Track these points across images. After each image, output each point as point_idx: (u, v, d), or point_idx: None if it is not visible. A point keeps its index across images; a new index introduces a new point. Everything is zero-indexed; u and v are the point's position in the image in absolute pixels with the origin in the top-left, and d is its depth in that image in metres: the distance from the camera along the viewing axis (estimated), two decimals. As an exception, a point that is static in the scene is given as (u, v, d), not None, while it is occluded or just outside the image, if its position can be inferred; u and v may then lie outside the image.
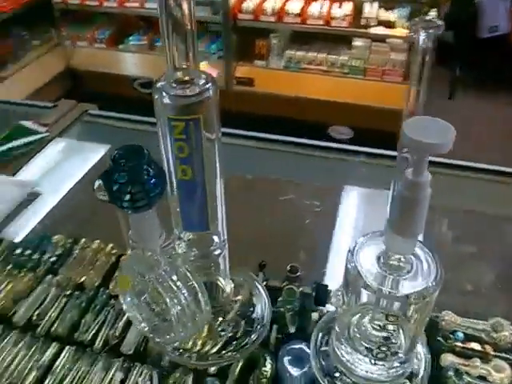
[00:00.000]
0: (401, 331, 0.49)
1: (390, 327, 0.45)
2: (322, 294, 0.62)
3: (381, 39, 2.72)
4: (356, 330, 0.50)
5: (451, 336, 0.65)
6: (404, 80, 2.72)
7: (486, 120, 2.91)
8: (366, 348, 0.48)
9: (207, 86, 0.38)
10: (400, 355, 0.50)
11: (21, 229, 0.79)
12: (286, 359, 0.58)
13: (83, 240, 0.75)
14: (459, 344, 0.64)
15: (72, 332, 0.62)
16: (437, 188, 1.01)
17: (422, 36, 0.49)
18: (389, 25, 2.65)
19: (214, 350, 0.57)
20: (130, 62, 3.22)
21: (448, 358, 0.63)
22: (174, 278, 0.46)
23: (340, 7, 2.73)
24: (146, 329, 0.49)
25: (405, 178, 0.36)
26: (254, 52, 2.96)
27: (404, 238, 0.39)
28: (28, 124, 0.96)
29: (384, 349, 0.47)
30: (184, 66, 0.37)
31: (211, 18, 2.89)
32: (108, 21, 3.28)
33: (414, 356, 0.53)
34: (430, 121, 0.34)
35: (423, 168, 0.35)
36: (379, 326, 0.46)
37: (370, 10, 2.67)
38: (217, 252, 0.50)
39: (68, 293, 0.67)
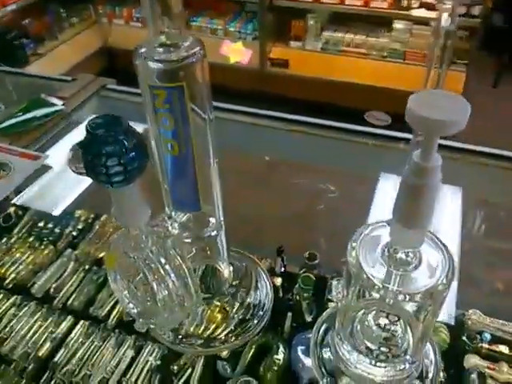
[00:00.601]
0: (408, 331, 0.45)
1: (393, 327, 0.41)
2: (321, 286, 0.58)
3: (423, 22, 2.60)
4: (359, 327, 0.46)
5: (477, 336, 0.61)
6: (446, 66, 2.59)
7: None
8: (367, 348, 0.44)
9: (194, 50, 0.34)
10: (407, 356, 0.46)
11: (45, 203, 0.79)
12: (299, 348, 0.55)
13: (104, 216, 0.75)
14: (485, 346, 0.60)
15: (87, 307, 0.62)
16: (470, 178, 0.94)
17: (446, 6, 0.44)
18: (432, 7, 2.52)
19: (204, 335, 0.55)
20: (166, 41, 3.21)
21: (472, 360, 0.58)
22: (162, 260, 0.43)
23: (381, -13, 2.62)
24: (134, 310, 0.47)
25: (411, 161, 0.32)
26: (290, 33, 2.88)
27: (411, 230, 0.35)
28: (46, 97, 0.94)
29: (384, 350, 0.42)
30: (167, 30, 0.34)
31: (248, -3, 2.84)
32: (145, -1, 3.26)
33: (422, 357, 0.48)
34: (442, 95, 0.29)
35: (432, 150, 0.30)
36: (382, 325, 0.42)
37: (413, -9, 2.54)
38: (212, 233, 0.47)
39: (86, 267, 0.67)
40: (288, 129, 0.98)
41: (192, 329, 0.55)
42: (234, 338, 0.55)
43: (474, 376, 0.56)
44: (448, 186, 0.88)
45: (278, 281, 0.65)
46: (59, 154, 0.86)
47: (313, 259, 0.66)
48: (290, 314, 0.59)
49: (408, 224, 0.34)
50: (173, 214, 0.45)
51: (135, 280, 0.45)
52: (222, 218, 0.47)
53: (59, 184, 0.84)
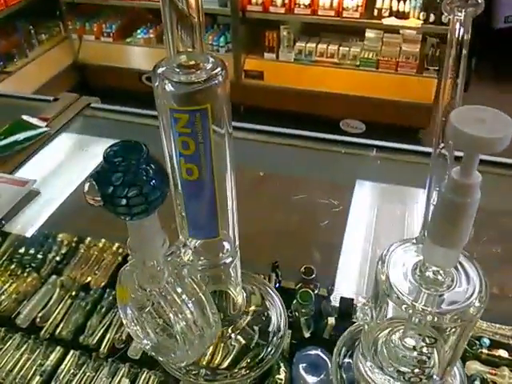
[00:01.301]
0: (435, 353, 0.44)
1: (425, 349, 0.40)
2: (346, 309, 0.57)
3: (394, 30, 2.65)
4: (385, 346, 0.44)
5: (476, 342, 0.61)
6: (417, 72, 2.64)
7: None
8: (398, 371, 0.42)
9: (216, 71, 0.32)
10: (436, 378, 0.44)
11: (25, 227, 0.76)
12: (301, 366, 0.54)
13: (89, 239, 0.72)
14: (485, 351, 0.59)
15: (77, 335, 0.59)
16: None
17: (459, 16, 0.43)
18: (402, 15, 2.57)
19: (225, 365, 0.52)
20: (138, 56, 3.17)
21: (473, 366, 0.58)
22: (179, 290, 0.41)
23: (352, -3, 2.66)
24: (149, 346, 0.44)
25: (450, 178, 0.30)
26: (263, 44, 2.89)
27: (445, 249, 0.34)
28: (28, 118, 0.91)
29: (418, 372, 0.41)
30: (189, 49, 0.32)
31: (220, 11, 2.83)
32: (115, 14, 3.22)
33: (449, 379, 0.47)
34: (483, 111, 0.28)
35: (473, 167, 0.29)
36: (412, 346, 0.41)
37: (383, 1, 2.59)
38: (228, 260, 0.45)
39: (73, 294, 0.64)
40: (263, 140, 0.98)
41: (205, 360, 0.52)
42: (247, 371, 0.52)
43: (477, 382, 0.55)
44: (423, 190, 0.88)
45: None
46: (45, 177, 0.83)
47: (309, 274, 0.64)
48: (289, 331, 0.57)
49: (443, 242, 0.33)
50: (187, 241, 0.43)
51: (150, 314, 0.42)
52: (237, 243, 0.45)
53: (35, 207, 0.80)
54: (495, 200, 0.94)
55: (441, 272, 0.37)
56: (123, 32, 3.20)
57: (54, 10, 3.10)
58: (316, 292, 0.62)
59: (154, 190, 0.32)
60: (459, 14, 0.45)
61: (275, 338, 0.53)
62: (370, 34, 2.71)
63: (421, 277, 0.37)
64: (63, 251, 0.71)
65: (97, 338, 0.59)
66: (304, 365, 0.54)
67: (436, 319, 0.37)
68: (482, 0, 0.43)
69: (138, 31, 3.15)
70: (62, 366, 0.56)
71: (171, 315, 0.41)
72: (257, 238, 0.88)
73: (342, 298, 0.59)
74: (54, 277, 0.67)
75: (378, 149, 0.96)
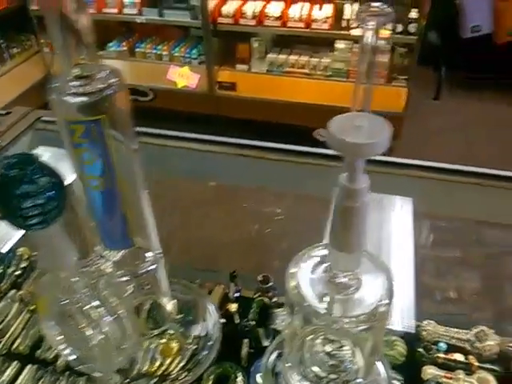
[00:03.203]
0: (357, 353, 0.44)
1: (339, 353, 0.40)
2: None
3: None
4: (308, 353, 0.44)
5: (433, 347, 0.62)
6: (387, 82, 2.68)
7: (473, 118, 2.88)
8: (316, 375, 0.42)
9: (111, 81, 0.33)
10: (359, 380, 0.45)
11: None
12: (258, 375, 0.54)
13: None
14: (442, 355, 0.61)
15: (34, 350, 0.59)
16: (415, 191, 0.97)
17: (371, 25, 0.44)
18: (370, 26, 2.61)
19: (158, 372, 0.52)
20: (111, 69, 3.16)
21: (429, 371, 0.59)
22: (96, 303, 0.40)
23: (320, 9, 2.69)
24: (70, 357, 0.44)
25: (339, 184, 0.31)
26: (235, 56, 2.91)
27: (346, 254, 0.34)
28: (-22, 133, 0.90)
29: (334, 376, 0.41)
30: (83, 62, 0.32)
31: (191, 23, 2.85)
32: (88, 27, 3.22)
33: (374, 379, 0.48)
34: (362, 117, 0.29)
35: (357, 173, 0.30)
36: (328, 351, 0.41)
37: (351, 12, 2.63)
38: (150, 268, 0.45)
39: (31, 308, 0.64)
40: (235, 153, 0.98)
41: (138, 368, 0.52)
42: (185, 374, 0.52)
43: None
44: (399, 197, 0.90)
45: (234, 306, 0.64)
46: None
47: (266, 282, 0.64)
48: (246, 340, 0.57)
49: (341, 247, 0.34)
50: (105, 252, 0.43)
51: (69, 325, 0.42)
52: (159, 251, 0.45)
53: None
54: (454, 206, 0.96)
55: (348, 275, 0.37)
56: (95, 45, 3.18)
57: (26, 24, 3.08)
58: (274, 300, 0.61)
59: (50, 201, 0.32)
60: (371, 22, 0.46)
61: (206, 346, 0.53)
62: (339, 44, 2.75)
63: (330, 282, 0.37)
64: (22, 265, 0.70)
65: (54, 352, 0.58)
66: (261, 374, 0.54)
67: (347, 322, 0.37)
68: (391, 10, 0.44)
69: (111, 44, 3.14)
70: (19, 381, 0.55)
71: (88, 328, 0.40)
72: (218, 248, 0.88)
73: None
74: (13, 291, 0.66)
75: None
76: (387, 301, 0.37)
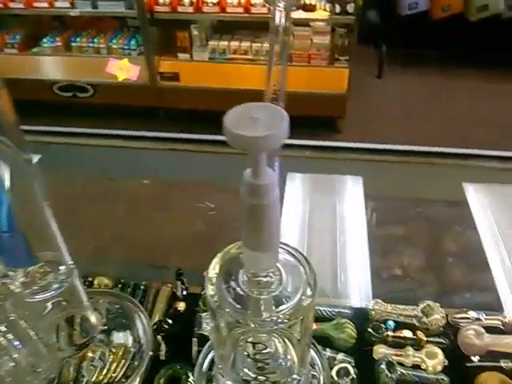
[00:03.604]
0: (290, 350, 0.43)
1: (263, 356, 0.39)
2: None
3: (303, 23, 2.68)
4: (238, 356, 0.43)
5: (382, 326, 0.62)
6: (329, 63, 2.69)
7: (413, 94, 2.94)
8: (244, 380, 0.41)
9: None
10: (294, 376, 0.43)
11: None
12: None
13: None
14: (391, 334, 0.61)
15: None
16: (357, 173, 0.97)
17: (280, 7, 0.42)
18: (309, 8, 2.61)
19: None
20: (47, 66, 3.03)
21: (380, 350, 0.60)
22: (2, 329, 0.37)
23: (259, -7, 2.66)
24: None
25: (244, 181, 0.29)
26: (176, 45, 2.84)
27: (259, 253, 0.32)
28: None
29: (262, 379, 0.40)
30: None
31: (127, 13, 2.76)
32: (18, 24, 3.05)
33: (308, 371, 0.46)
34: (259, 108, 0.27)
35: (261, 167, 0.28)
36: (251, 353, 0.40)
37: (289, -6, 2.61)
38: (64, 282, 0.42)
39: None
40: (168, 148, 0.95)
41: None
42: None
43: (383, 366, 0.56)
44: (350, 177, 0.90)
45: (181, 305, 0.62)
46: None
47: None
48: (194, 339, 0.55)
49: (253, 247, 0.32)
50: (10, 271, 0.39)
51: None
52: (71, 262, 0.41)
53: None
54: (395, 186, 0.97)
55: (268, 273, 0.36)
56: (29, 42, 3.03)
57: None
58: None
59: None
60: (279, 4, 0.44)
61: (137, 354, 0.51)
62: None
63: (249, 282, 0.35)
64: None
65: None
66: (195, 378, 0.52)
67: (272, 321, 0.36)
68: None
69: (44, 40, 3.00)
70: None
71: (-4, 355, 0.37)
72: (163, 247, 0.85)
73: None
74: None
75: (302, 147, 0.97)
76: (310, 293, 0.35)
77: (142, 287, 0.68)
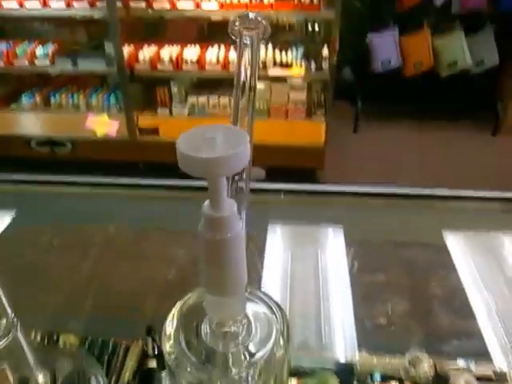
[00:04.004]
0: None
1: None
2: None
3: (280, 80, 2.74)
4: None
5: (368, 379, 0.58)
6: (307, 117, 2.73)
7: (390, 147, 3.00)
8: None
9: None
10: None
11: None
12: None
13: None
14: None
15: None
16: (339, 216, 0.95)
17: (247, 40, 0.41)
18: (286, 65, 2.68)
19: None
20: (24, 122, 3.02)
21: None
22: None
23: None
24: None
25: (202, 213, 0.26)
26: (156, 100, 2.87)
27: (224, 298, 0.29)
28: None
29: None
30: None
31: (107, 71, 2.80)
32: (-2, 81, 3.07)
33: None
34: (214, 129, 0.24)
35: (220, 196, 0.25)
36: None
37: (265, 52, 2.69)
38: (4, 337, 0.37)
39: None
40: (129, 194, 0.93)
41: None
42: None
43: None
44: (331, 227, 0.89)
45: (153, 364, 0.58)
46: None
47: None
48: None
49: (217, 291, 0.28)
50: None
51: None
52: (11, 316, 0.37)
53: None
54: (375, 230, 0.95)
55: (235, 322, 0.32)
56: (6, 98, 3.04)
57: None
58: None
59: None
60: (247, 36, 0.42)
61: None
62: (259, 85, 2.78)
63: (212, 335, 0.31)
64: None
65: None
66: None
67: (246, 375, 0.31)
68: (266, 22, 0.41)
69: (23, 96, 3.00)
70: None
71: None
72: (131, 299, 0.81)
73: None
74: None
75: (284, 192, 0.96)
76: (282, 343, 0.31)
77: (110, 344, 0.64)
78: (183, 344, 0.31)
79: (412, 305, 0.84)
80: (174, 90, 2.82)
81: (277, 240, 0.88)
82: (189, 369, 0.31)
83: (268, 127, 2.74)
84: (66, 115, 2.95)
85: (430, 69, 3.02)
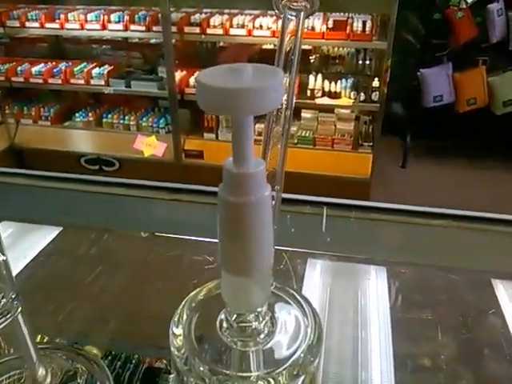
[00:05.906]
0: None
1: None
2: None
3: (328, 110, 2.71)
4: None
5: None
6: (353, 148, 2.68)
7: (439, 184, 2.88)
8: None
9: None
10: None
11: None
12: None
13: None
14: None
15: None
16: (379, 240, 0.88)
17: (291, 16, 0.37)
18: (334, 95, 2.66)
19: None
20: (76, 139, 3.12)
21: None
22: None
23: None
24: None
25: (223, 172, 0.21)
26: (203, 125, 2.90)
27: (242, 280, 0.24)
28: None
29: None
30: None
31: (158, 94, 2.86)
32: (54, 98, 3.20)
33: None
34: (244, 66, 0.20)
35: (246, 147, 0.21)
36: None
37: (315, 82, 2.67)
38: (3, 316, 0.33)
39: None
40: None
41: None
42: None
43: None
44: (373, 267, 0.83)
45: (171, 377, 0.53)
46: None
47: None
48: None
49: (234, 269, 0.23)
50: None
51: None
52: (14, 295, 0.33)
53: None
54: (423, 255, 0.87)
55: (257, 317, 0.27)
56: (62, 116, 3.16)
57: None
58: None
59: None
60: (292, 12, 0.39)
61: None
62: (305, 113, 2.77)
63: (230, 330, 0.26)
64: None
65: None
66: None
67: (268, 380, 0.26)
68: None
69: (77, 114, 3.11)
70: None
71: None
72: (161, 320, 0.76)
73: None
74: None
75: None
76: (313, 352, 0.26)
77: (133, 361, 0.61)
78: (194, 341, 0.27)
79: (458, 346, 0.76)
80: (221, 116, 2.84)
81: (315, 276, 0.83)
82: (201, 368, 0.26)
83: (313, 157, 2.70)
84: (117, 135, 3.02)
85: (484, 106, 2.92)
